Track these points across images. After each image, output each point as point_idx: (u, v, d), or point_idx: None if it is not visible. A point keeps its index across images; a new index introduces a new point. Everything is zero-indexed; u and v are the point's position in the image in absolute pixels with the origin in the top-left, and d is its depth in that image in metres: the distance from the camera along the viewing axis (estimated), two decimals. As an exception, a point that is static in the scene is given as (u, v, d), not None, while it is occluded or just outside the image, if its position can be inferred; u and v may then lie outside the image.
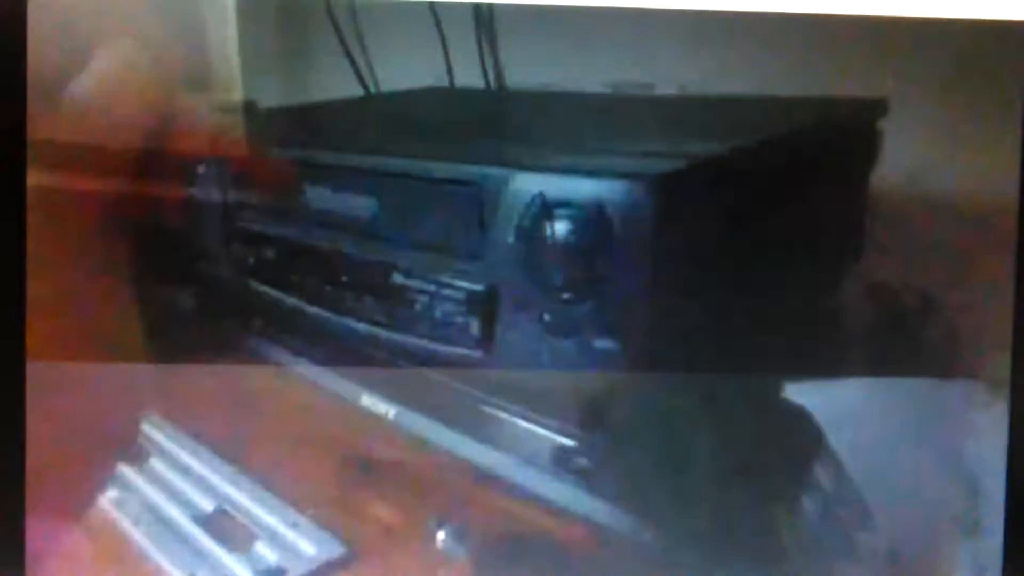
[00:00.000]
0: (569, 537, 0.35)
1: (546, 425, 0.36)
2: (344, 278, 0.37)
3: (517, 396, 0.36)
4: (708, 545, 0.34)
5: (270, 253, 0.36)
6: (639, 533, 0.35)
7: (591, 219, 0.30)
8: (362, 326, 0.38)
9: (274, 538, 0.36)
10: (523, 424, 0.37)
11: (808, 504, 0.35)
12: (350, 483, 0.39)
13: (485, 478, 0.38)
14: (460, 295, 0.33)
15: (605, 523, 0.35)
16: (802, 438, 0.35)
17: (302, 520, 0.37)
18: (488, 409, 0.38)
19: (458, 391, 0.38)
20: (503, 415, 0.37)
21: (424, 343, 0.35)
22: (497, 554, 0.35)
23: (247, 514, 0.37)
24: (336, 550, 0.35)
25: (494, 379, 0.36)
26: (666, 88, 0.38)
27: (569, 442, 0.36)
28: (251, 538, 0.36)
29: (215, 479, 0.39)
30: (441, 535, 0.35)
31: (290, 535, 0.36)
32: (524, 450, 0.37)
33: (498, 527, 0.36)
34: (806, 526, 0.34)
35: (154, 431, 0.36)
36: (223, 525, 0.37)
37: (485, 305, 0.33)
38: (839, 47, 0.33)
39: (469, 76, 0.45)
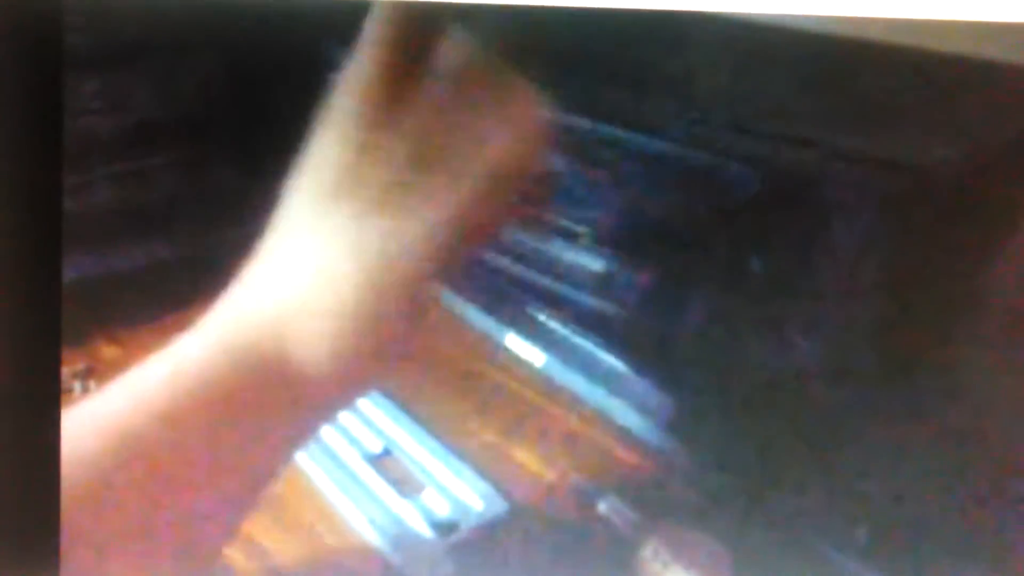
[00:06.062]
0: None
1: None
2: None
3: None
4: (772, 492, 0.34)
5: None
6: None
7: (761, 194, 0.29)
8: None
9: (439, 486, 0.38)
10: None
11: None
12: (510, 435, 0.40)
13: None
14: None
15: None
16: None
17: (465, 469, 0.38)
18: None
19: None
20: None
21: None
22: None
23: (412, 459, 0.39)
24: (501, 507, 0.37)
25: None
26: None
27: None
28: (419, 485, 0.38)
29: (382, 421, 0.41)
30: (602, 506, 0.36)
31: (455, 485, 0.38)
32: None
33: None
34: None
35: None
36: (389, 468, 0.39)
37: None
38: None
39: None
